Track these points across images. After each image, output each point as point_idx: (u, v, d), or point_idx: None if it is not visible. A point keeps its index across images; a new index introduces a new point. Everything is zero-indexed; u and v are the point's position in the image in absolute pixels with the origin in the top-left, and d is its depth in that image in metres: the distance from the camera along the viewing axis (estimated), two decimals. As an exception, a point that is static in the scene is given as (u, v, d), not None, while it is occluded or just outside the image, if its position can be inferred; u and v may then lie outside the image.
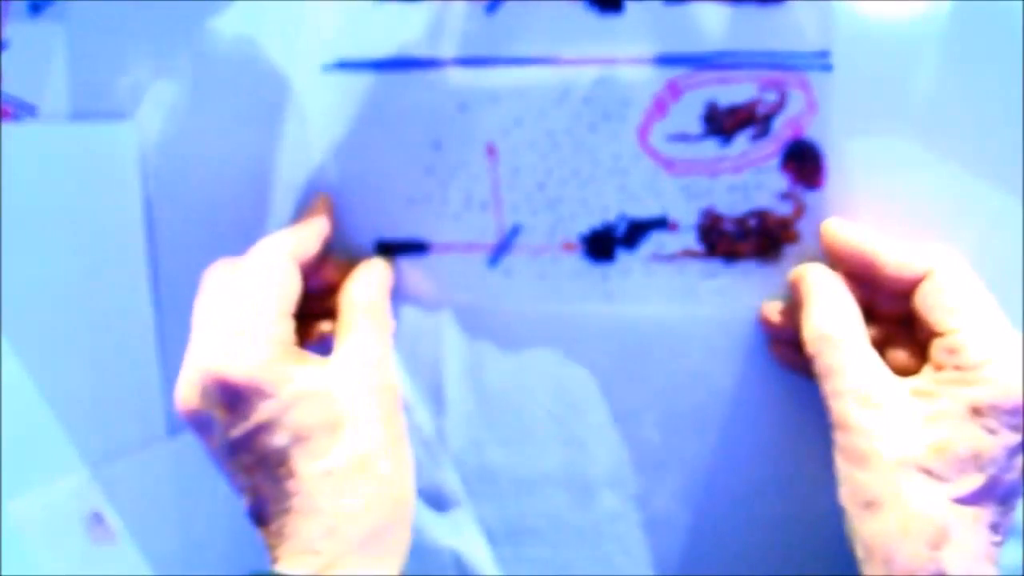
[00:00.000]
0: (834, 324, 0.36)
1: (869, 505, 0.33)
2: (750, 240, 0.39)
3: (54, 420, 0.42)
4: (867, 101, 0.38)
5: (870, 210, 0.39)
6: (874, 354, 0.35)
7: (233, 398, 0.33)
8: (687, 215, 0.39)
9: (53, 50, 0.40)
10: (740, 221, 0.39)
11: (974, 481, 0.32)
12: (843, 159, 0.38)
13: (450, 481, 0.42)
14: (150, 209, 0.41)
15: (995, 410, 0.32)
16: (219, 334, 0.34)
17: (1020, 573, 0.39)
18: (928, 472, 0.33)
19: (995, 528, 0.33)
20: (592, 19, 0.38)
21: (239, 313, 0.34)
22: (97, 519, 0.43)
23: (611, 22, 0.38)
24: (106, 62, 0.40)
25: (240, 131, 0.40)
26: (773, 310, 0.39)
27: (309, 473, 0.33)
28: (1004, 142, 0.38)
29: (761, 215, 0.39)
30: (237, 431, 0.33)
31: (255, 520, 0.34)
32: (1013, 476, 0.33)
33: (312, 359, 0.35)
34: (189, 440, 0.42)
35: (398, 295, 0.41)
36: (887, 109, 0.38)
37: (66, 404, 0.42)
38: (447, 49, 0.38)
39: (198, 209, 0.41)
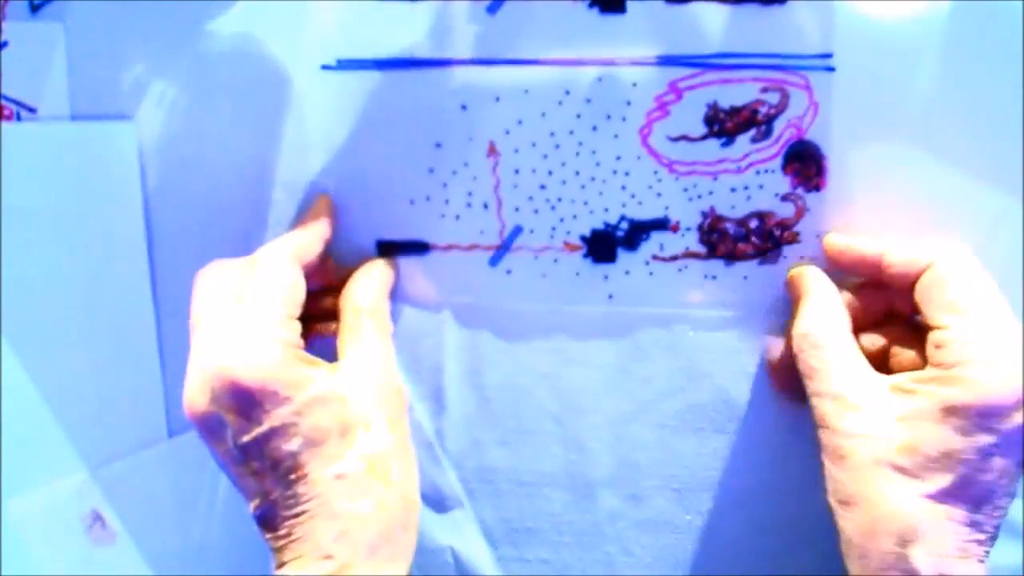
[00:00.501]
0: (818, 325, 0.36)
1: (846, 503, 0.34)
2: (751, 241, 0.39)
3: (54, 420, 0.42)
4: (868, 102, 0.38)
5: (871, 211, 0.39)
6: (857, 355, 0.36)
7: (245, 402, 0.32)
8: (688, 216, 0.39)
9: (53, 50, 0.40)
10: (741, 222, 0.39)
11: (943, 480, 0.33)
12: (844, 160, 0.38)
13: (450, 481, 0.42)
14: (150, 209, 0.41)
15: (967, 411, 0.33)
16: (228, 336, 0.33)
17: (1020, 573, 0.39)
18: (900, 470, 0.33)
19: (975, 526, 0.33)
20: (594, 19, 0.38)
21: (248, 315, 0.34)
22: (97, 519, 0.43)
23: (613, 23, 0.38)
24: (106, 62, 0.40)
25: (240, 131, 0.40)
26: (775, 348, 0.40)
27: (322, 477, 0.33)
28: (1004, 142, 0.38)
29: (762, 216, 0.39)
30: (248, 436, 0.33)
31: (263, 524, 0.34)
32: (989, 476, 0.33)
33: (320, 363, 0.35)
34: (189, 441, 0.43)
35: (398, 295, 0.41)
36: (888, 110, 0.38)
37: (66, 404, 0.42)
38: (449, 49, 0.38)
39: (198, 209, 0.41)
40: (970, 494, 0.33)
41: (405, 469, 0.35)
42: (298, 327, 0.35)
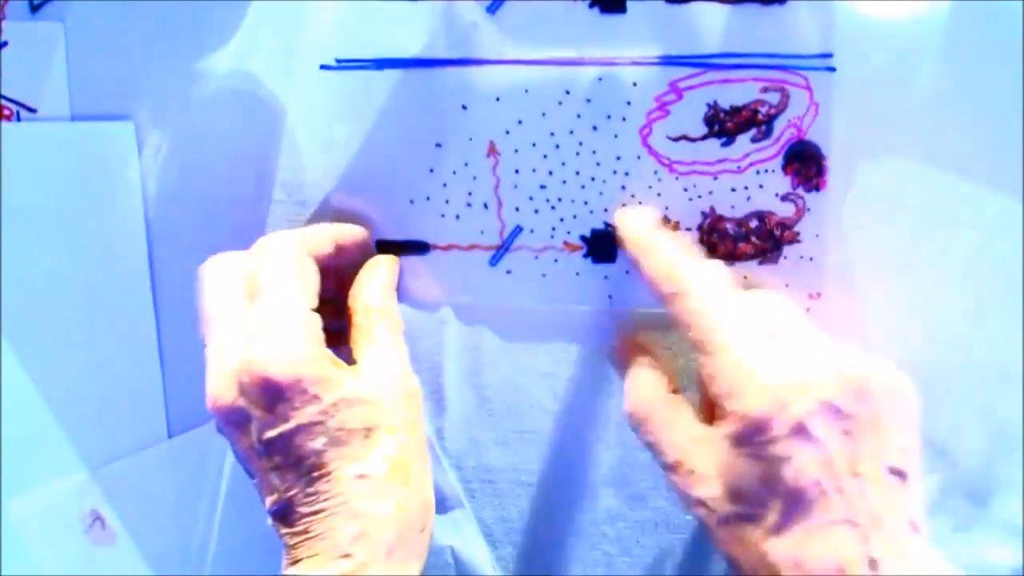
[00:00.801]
0: (635, 402, 0.36)
1: (732, 565, 0.33)
2: (751, 241, 0.39)
3: (54, 420, 0.42)
4: (868, 102, 0.38)
5: (871, 211, 0.39)
6: (683, 418, 0.35)
7: (275, 397, 0.32)
8: (688, 216, 0.39)
9: (53, 50, 0.40)
10: (741, 222, 0.39)
11: (776, 506, 0.31)
12: (844, 160, 0.38)
13: (450, 481, 0.42)
14: (150, 209, 0.41)
15: (746, 436, 0.31)
16: (258, 330, 0.33)
17: (1020, 574, 0.39)
18: (740, 517, 0.32)
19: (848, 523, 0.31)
20: (594, 19, 0.38)
21: (272, 308, 0.34)
22: (97, 519, 0.43)
23: (613, 22, 0.38)
24: (106, 62, 0.40)
25: (240, 131, 0.40)
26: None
27: (344, 476, 0.33)
28: (1004, 142, 0.38)
29: (762, 216, 0.39)
30: (274, 431, 0.32)
31: (279, 519, 0.33)
32: (825, 483, 0.31)
33: (343, 364, 0.35)
34: (189, 441, 0.43)
35: (398, 295, 0.41)
36: (888, 110, 0.38)
37: (66, 404, 0.42)
38: (449, 49, 0.38)
39: (198, 209, 0.41)
40: (805, 506, 0.31)
41: (422, 471, 0.35)
42: (320, 321, 0.35)
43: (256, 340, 0.33)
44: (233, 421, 0.33)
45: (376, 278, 0.39)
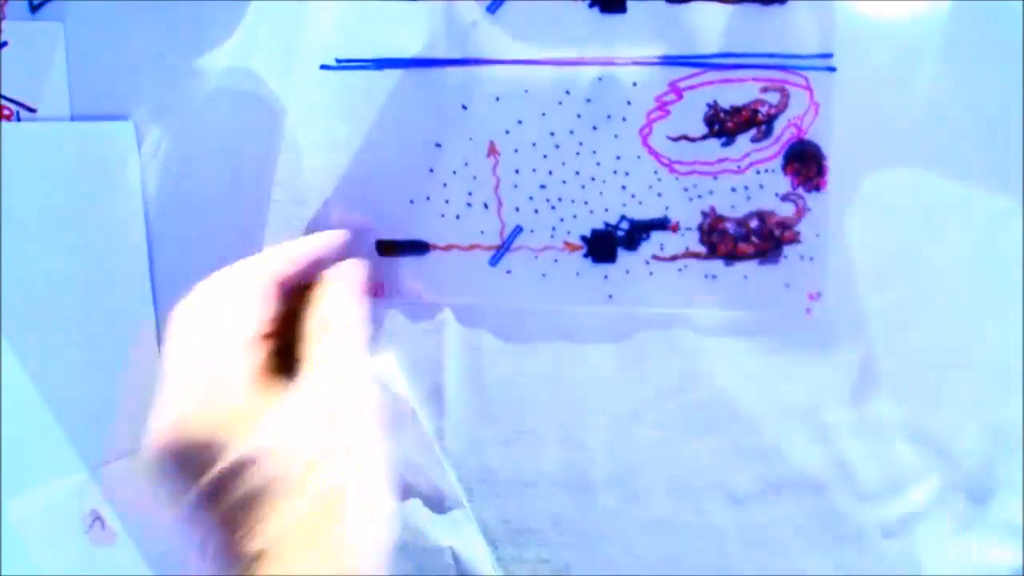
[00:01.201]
0: None
1: None
2: (751, 241, 0.39)
3: (54, 420, 0.42)
4: (868, 102, 0.38)
5: (871, 211, 0.39)
6: None
7: (196, 450, 0.31)
8: (688, 216, 0.39)
9: (53, 50, 0.40)
10: (741, 222, 0.39)
11: None
12: (844, 160, 0.38)
13: (450, 481, 0.42)
14: (150, 209, 0.41)
15: None
16: (183, 382, 0.32)
17: (1020, 574, 0.39)
18: None
19: None
20: (594, 19, 0.38)
21: (204, 357, 0.33)
22: (97, 519, 0.43)
23: (613, 22, 0.38)
24: (106, 62, 0.40)
25: (240, 130, 0.40)
26: None
27: (274, 525, 0.31)
28: (1004, 142, 0.38)
29: (762, 216, 0.39)
30: (204, 480, 0.31)
31: (219, 570, 0.32)
32: None
33: (276, 394, 0.33)
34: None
35: (398, 295, 0.41)
36: (888, 110, 0.38)
37: (66, 404, 0.42)
38: (449, 49, 0.38)
39: (198, 209, 0.41)
40: None
41: (366, 505, 0.33)
42: (258, 355, 0.33)
43: (182, 393, 0.32)
44: (169, 472, 0.32)
45: (331, 291, 0.37)
